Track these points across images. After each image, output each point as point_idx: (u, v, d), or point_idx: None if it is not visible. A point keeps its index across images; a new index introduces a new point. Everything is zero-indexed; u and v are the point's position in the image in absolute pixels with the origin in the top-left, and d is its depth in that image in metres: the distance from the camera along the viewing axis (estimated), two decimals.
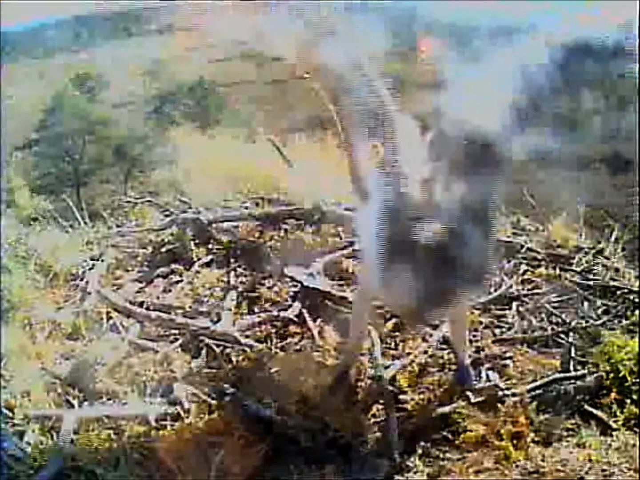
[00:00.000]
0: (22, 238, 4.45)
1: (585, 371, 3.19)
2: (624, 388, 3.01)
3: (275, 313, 3.66)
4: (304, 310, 3.66)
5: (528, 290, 3.95)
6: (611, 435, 2.79)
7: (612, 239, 4.45)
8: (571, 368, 3.25)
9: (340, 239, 4.41)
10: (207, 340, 3.44)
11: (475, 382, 3.11)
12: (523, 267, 4.18)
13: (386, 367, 3.20)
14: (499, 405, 2.98)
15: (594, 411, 2.95)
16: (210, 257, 4.31)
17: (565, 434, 2.84)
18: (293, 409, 2.93)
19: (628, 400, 2.94)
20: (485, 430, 2.83)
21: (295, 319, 3.63)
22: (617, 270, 4.09)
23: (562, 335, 3.51)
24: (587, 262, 4.20)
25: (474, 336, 3.55)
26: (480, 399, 3.03)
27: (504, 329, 3.62)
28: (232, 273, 4.10)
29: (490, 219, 2.53)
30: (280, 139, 5.77)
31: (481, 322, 3.65)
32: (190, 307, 3.80)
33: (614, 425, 2.85)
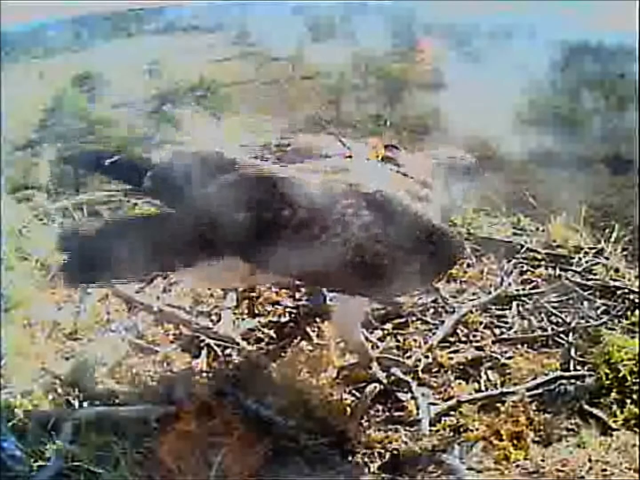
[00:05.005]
0: (23, 237, 4.44)
1: (585, 371, 3.19)
2: (624, 388, 3.01)
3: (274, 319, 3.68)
4: (301, 312, 3.68)
5: (528, 290, 3.96)
6: (611, 435, 2.79)
7: (612, 239, 4.45)
8: (571, 368, 3.25)
9: None
10: (207, 340, 3.45)
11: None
12: (523, 267, 4.19)
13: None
14: (499, 405, 2.99)
15: (594, 411, 2.95)
16: None
17: (565, 434, 2.85)
18: (293, 409, 2.93)
19: (628, 400, 2.95)
20: (486, 430, 2.84)
21: (293, 319, 3.64)
22: (617, 270, 4.10)
23: (562, 335, 3.52)
24: (587, 262, 4.21)
25: (474, 336, 3.56)
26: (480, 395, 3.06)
27: (504, 329, 3.62)
28: None
29: None
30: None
31: (481, 322, 3.65)
32: (190, 307, 3.79)
33: (614, 425, 2.86)
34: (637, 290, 3.84)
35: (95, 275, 2.83)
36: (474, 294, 3.93)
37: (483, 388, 3.17)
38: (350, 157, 3.03)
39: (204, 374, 3.25)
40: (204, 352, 3.39)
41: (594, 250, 4.34)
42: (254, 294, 3.88)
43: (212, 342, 3.44)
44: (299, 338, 3.48)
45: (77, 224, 3.00)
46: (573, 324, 3.59)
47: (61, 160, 4.38)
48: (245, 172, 2.79)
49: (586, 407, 2.99)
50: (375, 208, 2.68)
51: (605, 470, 2.57)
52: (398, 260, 2.66)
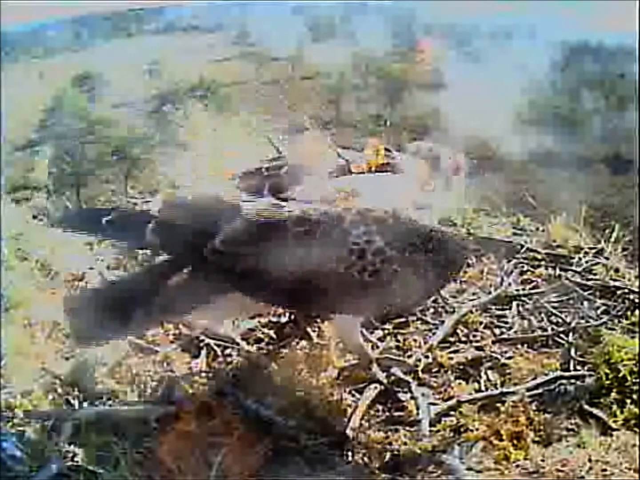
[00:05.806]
0: (23, 237, 4.44)
1: (585, 371, 3.19)
2: (624, 388, 3.01)
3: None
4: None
5: (528, 290, 3.96)
6: (611, 435, 2.79)
7: (612, 239, 4.45)
8: (571, 368, 3.25)
9: None
10: (207, 340, 3.45)
11: None
12: (523, 267, 4.19)
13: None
14: (499, 405, 2.99)
15: (594, 411, 2.95)
16: None
17: (565, 434, 2.84)
18: (293, 409, 2.93)
19: (628, 400, 2.94)
20: (486, 430, 2.84)
21: (293, 319, 3.64)
22: (617, 270, 4.10)
23: (562, 335, 3.52)
24: (587, 262, 4.21)
25: (474, 336, 3.56)
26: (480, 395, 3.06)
27: (504, 329, 3.62)
28: None
29: None
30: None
31: (481, 322, 3.65)
32: None
33: (614, 425, 2.85)
34: (637, 290, 3.84)
35: (108, 335, 2.85)
36: (474, 294, 3.93)
37: (483, 388, 3.16)
38: (349, 170, 3.01)
39: (204, 374, 3.25)
40: (203, 352, 3.39)
41: (594, 250, 4.34)
42: None
43: (212, 342, 3.44)
44: (299, 338, 3.48)
45: (83, 288, 2.95)
46: (573, 324, 3.59)
47: (51, 222, 4.22)
48: (251, 218, 2.73)
49: (586, 407, 2.98)
50: (385, 230, 2.69)
51: (605, 470, 2.57)
52: (411, 275, 2.70)
